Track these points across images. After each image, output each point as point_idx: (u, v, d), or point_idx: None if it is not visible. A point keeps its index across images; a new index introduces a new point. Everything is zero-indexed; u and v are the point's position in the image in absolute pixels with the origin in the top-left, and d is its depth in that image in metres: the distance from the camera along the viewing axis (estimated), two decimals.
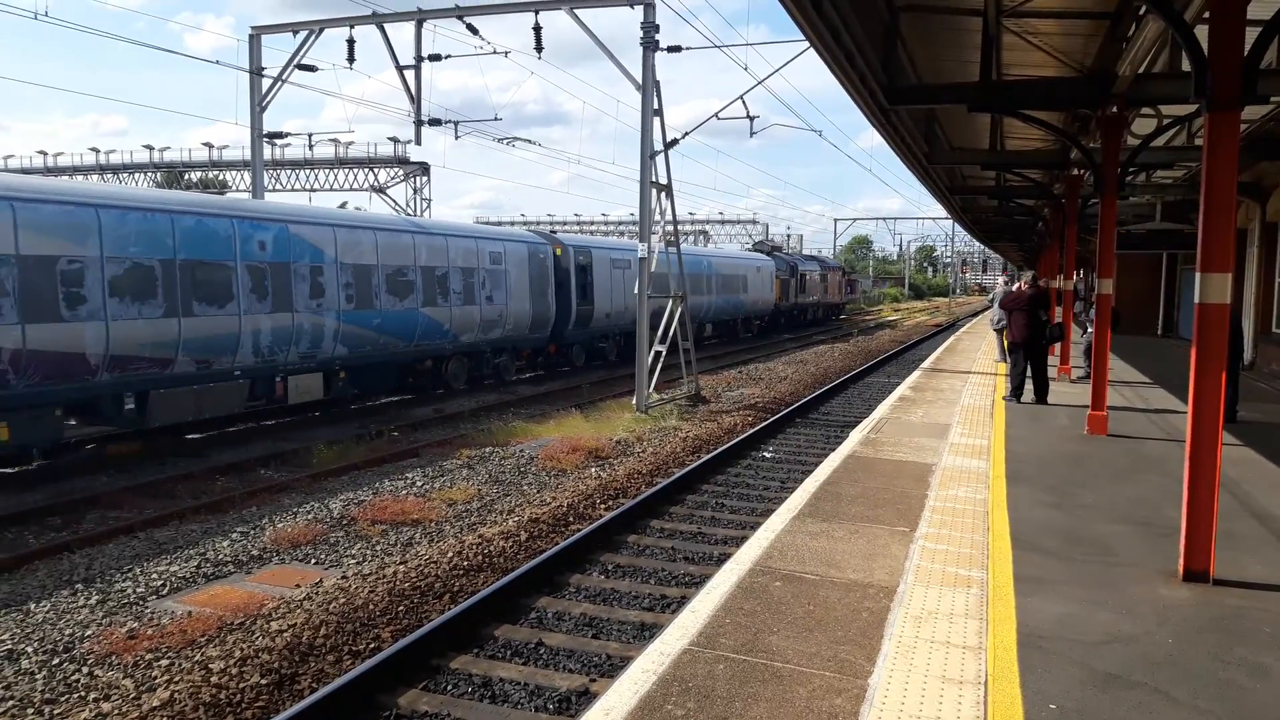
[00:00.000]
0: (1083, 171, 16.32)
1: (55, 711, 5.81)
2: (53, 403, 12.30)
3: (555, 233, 30.07)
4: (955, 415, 12.65)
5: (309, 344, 16.14)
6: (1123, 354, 19.60)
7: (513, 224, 70.13)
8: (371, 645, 6.82)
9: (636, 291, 17.91)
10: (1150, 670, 4.44)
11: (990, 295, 23.49)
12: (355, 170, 44.68)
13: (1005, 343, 19.58)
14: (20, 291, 11.61)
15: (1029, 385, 13.63)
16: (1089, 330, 15.80)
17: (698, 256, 34.81)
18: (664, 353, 18.45)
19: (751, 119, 19.69)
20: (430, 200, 41.94)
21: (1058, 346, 16.30)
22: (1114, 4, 8.79)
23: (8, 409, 11.63)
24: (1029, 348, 13.43)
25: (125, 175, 49.79)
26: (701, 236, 75.79)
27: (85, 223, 12.48)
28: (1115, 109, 10.57)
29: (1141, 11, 8.31)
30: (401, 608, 7.47)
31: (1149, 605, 5.30)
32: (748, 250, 50.01)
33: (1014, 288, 15.17)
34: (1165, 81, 10.21)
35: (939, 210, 64.94)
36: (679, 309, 18.62)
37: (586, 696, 6.02)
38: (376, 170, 44.07)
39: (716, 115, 18.74)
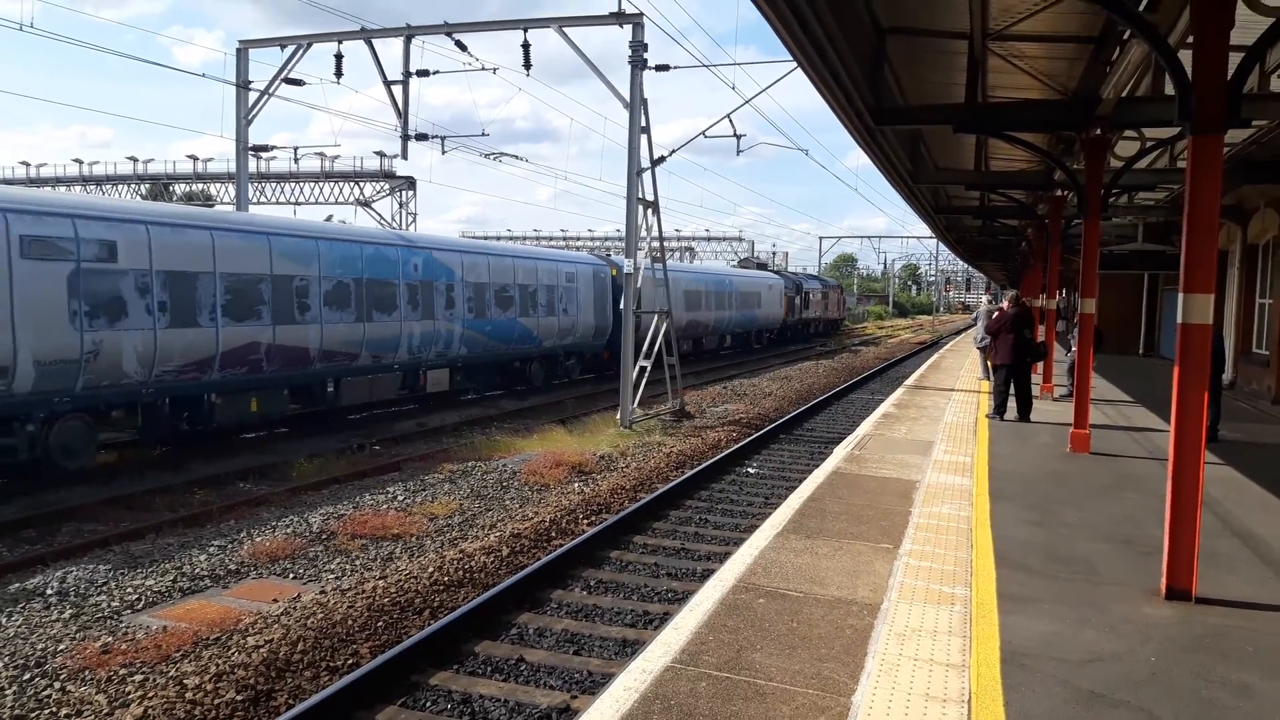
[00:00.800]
0: (1066, 192, 16.46)
1: None
2: (284, 385, 16.20)
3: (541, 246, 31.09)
4: (939, 432, 12.67)
5: (443, 345, 20.08)
6: (1105, 373, 19.73)
7: (499, 238, 70.14)
8: (350, 661, 6.73)
9: (622, 306, 17.91)
10: (1133, 689, 4.43)
11: (974, 314, 23.63)
12: (341, 184, 44.57)
13: (988, 361, 19.70)
14: (272, 301, 15.46)
15: (1012, 403, 13.69)
16: (1072, 349, 15.91)
17: (721, 275, 39.78)
18: (649, 368, 18.43)
19: (739, 137, 19.81)
20: (416, 215, 41.89)
21: (1040, 365, 16.39)
22: (1098, 28, 8.88)
23: (259, 388, 15.60)
24: (1013, 366, 13.49)
25: (109, 187, 49.47)
26: (687, 253, 75.96)
27: (310, 251, 16.55)
28: (1099, 131, 10.66)
29: (1126, 36, 8.39)
30: (381, 623, 7.38)
31: (1132, 624, 5.29)
32: (733, 266, 50.78)
33: (997, 308, 15.27)
34: (1149, 105, 10.31)
35: (924, 229, 65.59)
36: (664, 324, 18.62)
37: (567, 714, 5.96)
38: (362, 184, 43.99)
39: (704, 134, 18.85)
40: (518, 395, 23.67)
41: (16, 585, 8.42)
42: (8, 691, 6.19)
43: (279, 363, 15.67)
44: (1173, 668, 4.69)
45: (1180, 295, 5.65)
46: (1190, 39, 5.90)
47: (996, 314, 14.12)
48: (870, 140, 12.82)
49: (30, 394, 11.93)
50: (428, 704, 6.16)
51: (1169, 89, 9.65)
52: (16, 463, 12.18)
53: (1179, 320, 5.68)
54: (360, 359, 17.58)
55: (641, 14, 16.68)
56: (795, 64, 9.01)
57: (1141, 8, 7.46)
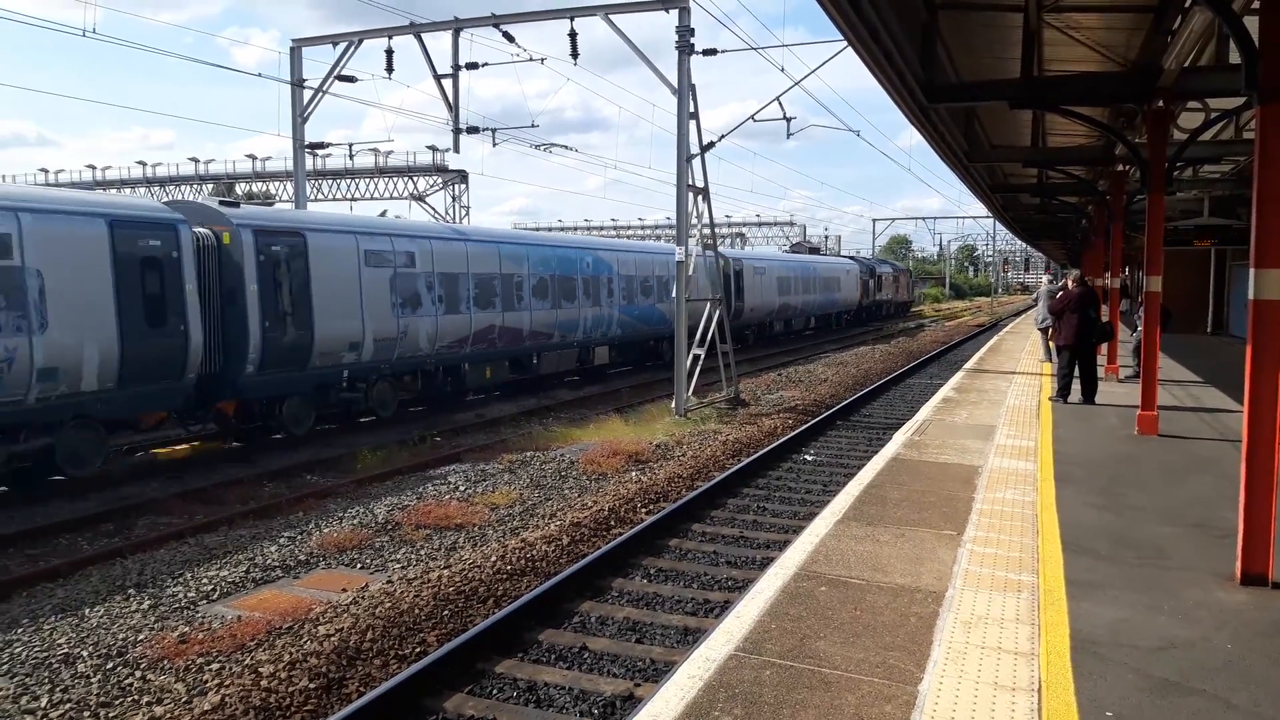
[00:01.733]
0: (1128, 167, 16.04)
1: (110, 714, 5.92)
2: (508, 357, 20.84)
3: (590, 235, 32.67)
4: (1001, 416, 12.47)
5: (605, 327, 24.62)
6: (1172, 352, 19.20)
7: (549, 229, 70.49)
8: (417, 649, 6.87)
9: (675, 294, 17.90)
10: (1209, 676, 4.34)
11: (1034, 294, 23.13)
12: (395, 179, 45.18)
13: (1050, 342, 19.29)
14: (501, 293, 20.25)
15: (1076, 385, 13.40)
16: (1138, 329, 15.51)
17: (807, 262, 45.07)
18: (703, 356, 18.41)
19: (788, 120, 19.62)
20: (469, 208, 42.28)
21: (1105, 345, 16.01)
22: None
23: (493, 359, 20.30)
24: (1077, 347, 13.20)
25: (171, 187, 50.77)
26: (738, 240, 75.56)
27: (522, 254, 21.40)
28: (1161, 103, 10.37)
29: (1188, 3, 8.14)
30: (446, 612, 7.52)
31: (1206, 610, 5.17)
32: (784, 251, 51.13)
33: (1059, 287, 14.93)
34: (1213, 74, 10.00)
35: (979, 209, 64.93)
36: (716, 311, 18.57)
37: (631, 701, 6.01)
38: (415, 179, 44.54)
39: (753, 118, 18.70)
40: (573, 386, 23.85)
41: (98, 577, 8.75)
42: (93, 680, 6.43)
43: (505, 341, 20.49)
44: (1249, 655, 4.58)
45: (1251, 270, 5.49)
46: (1256, 4, 5.71)
47: (1061, 294, 13.80)
48: (924, 119, 12.64)
49: (369, 362, 16.83)
50: (494, 692, 6.26)
51: (1234, 57, 9.34)
52: (351, 412, 17.25)
53: (1250, 296, 5.52)
54: (554, 338, 22.47)
55: None
56: (846, 44, 8.92)
57: None
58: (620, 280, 25.44)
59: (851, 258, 54.95)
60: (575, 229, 75.62)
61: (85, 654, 6.85)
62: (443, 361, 18.84)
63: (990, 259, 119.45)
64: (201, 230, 14.16)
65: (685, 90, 17.06)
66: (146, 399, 13.29)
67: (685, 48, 16.93)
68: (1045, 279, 25.36)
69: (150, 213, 13.59)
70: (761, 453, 13.62)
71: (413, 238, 18.17)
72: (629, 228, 78.67)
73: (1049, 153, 17.26)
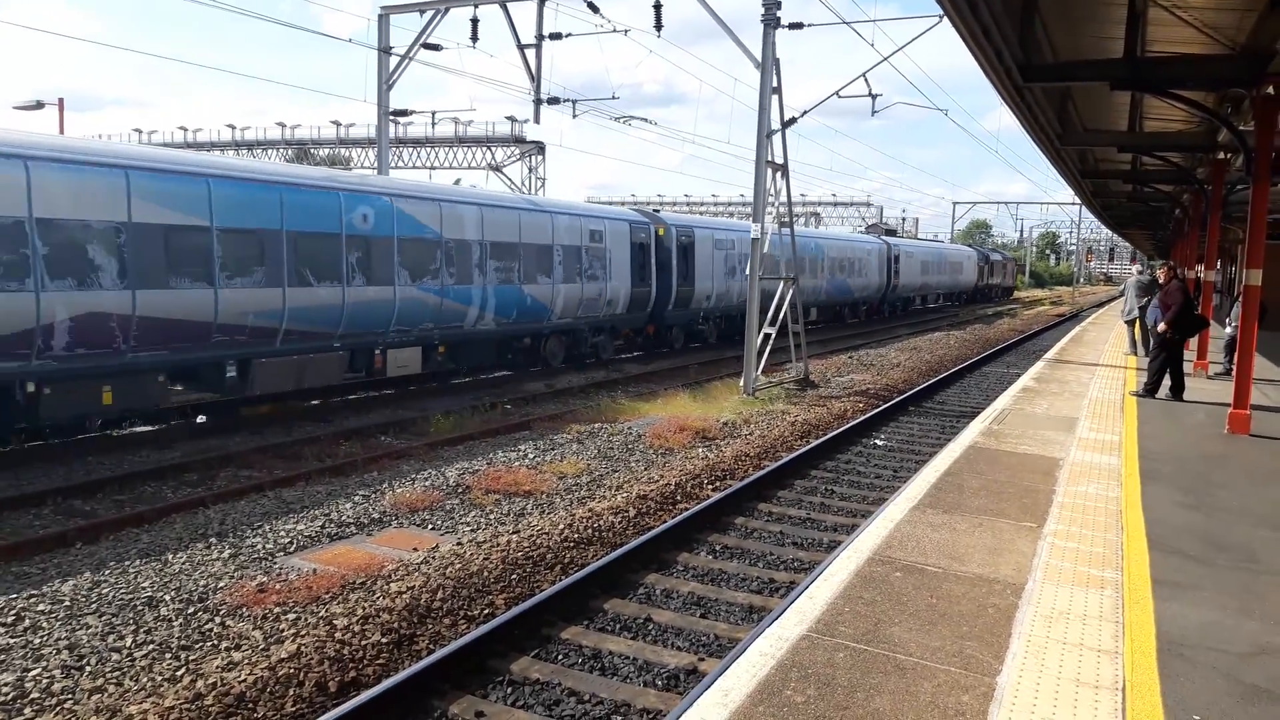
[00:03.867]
0: (1230, 155, 15.35)
1: (191, 657, 6.13)
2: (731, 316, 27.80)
3: (658, 212, 33.77)
4: (1083, 409, 12.10)
5: (728, 300, 27.30)
6: (1267, 350, 18.39)
7: (623, 204, 70.41)
8: (485, 611, 6.96)
9: (749, 272, 17.73)
10: None
11: (1122, 286, 22.32)
12: (473, 149, 45.54)
13: (1137, 335, 18.63)
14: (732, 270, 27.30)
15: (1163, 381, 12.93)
16: (1230, 324, 14.89)
17: (939, 249, 54.02)
18: (773, 335, 18.23)
19: (874, 97, 19.18)
20: (545, 179, 42.44)
21: (1193, 341, 15.40)
22: None
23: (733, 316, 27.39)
24: (1171, 341, 12.73)
25: (258, 151, 52.03)
26: (813, 219, 74.56)
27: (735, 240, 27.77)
28: (1271, 89, 9.88)
29: None
30: (514, 576, 7.60)
31: None
32: (859, 233, 51.49)
33: (1149, 279, 14.38)
34: None
35: (1065, 195, 64.82)
36: (790, 291, 18.35)
37: (695, 676, 6.01)
38: (494, 149, 44.83)
39: (838, 93, 18.33)
40: (641, 360, 23.88)
41: (181, 524, 9.06)
42: (175, 623, 6.67)
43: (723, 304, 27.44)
44: None
45: None
46: None
47: (1164, 280, 13.26)
48: (1018, 99, 12.25)
49: (710, 308, 26.78)
50: (559, 657, 6.32)
51: None
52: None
53: None
54: (732, 298, 27.45)
55: None
56: (941, 18, 8.67)
57: None
58: (823, 260, 34.15)
59: (969, 245, 66.95)
60: (648, 203, 75.38)
61: (168, 598, 7.10)
62: (726, 313, 27.58)
63: (1073, 247, 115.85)
64: (653, 227, 23.82)
65: (769, 64, 16.79)
66: (632, 320, 23.55)
67: (771, 21, 16.64)
68: (1134, 270, 24.48)
69: (640, 218, 24.06)
70: (830, 435, 13.45)
71: (736, 235, 27.06)
72: (702, 204, 78.15)
73: (1146, 138, 16.60)
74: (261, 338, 13.61)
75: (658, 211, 31.18)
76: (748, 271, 17.76)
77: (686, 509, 9.62)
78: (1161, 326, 12.79)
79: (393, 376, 16.54)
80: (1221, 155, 15.54)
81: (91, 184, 11.51)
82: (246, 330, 13.33)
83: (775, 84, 16.92)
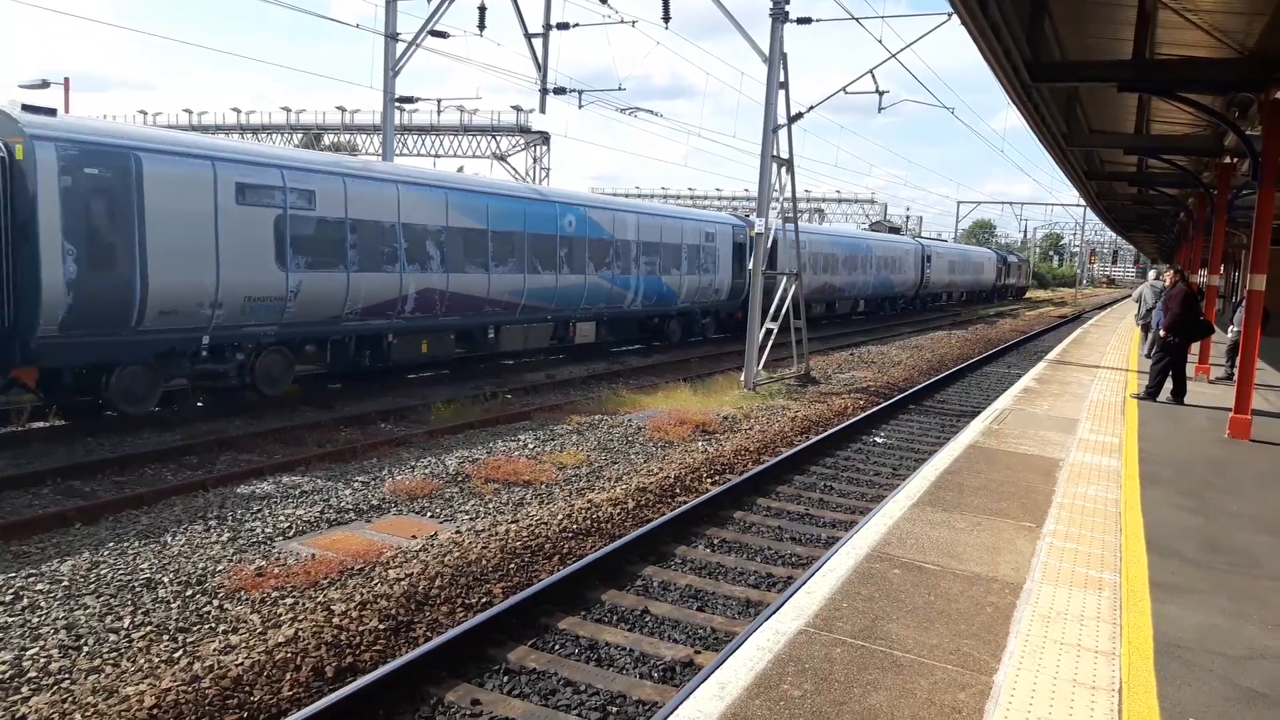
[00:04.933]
0: (1236, 160, 15.31)
1: (188, 640, 6.13)
2: (860, 298, 37.69)
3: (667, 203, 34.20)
4: (1083, 410, 12.10)
5: (848, 291, 33.41)
6: (1269, 356, 18.39)
7: (627, 195, 70.38)
8: (483, 599, 6.97)
9: (751, 267, 17.72)
10: None
11: (1137, 290, 22.18)
12: (478, 137, 45.45)
13: (1152, 338, 18.60)
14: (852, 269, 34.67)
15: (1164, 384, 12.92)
16: (1233, 329, 14.88)
17: (965, 250, 60.23)
18: (775, 330, 18.22)
19: (881, 94, 19.14)
20: (549, 170, 42.37)
21: (1196, 345, 15.39)
22: None
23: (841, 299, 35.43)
24: (1176, 345, 12.71)
25: (263, 135, 51.93)
26: (816, 215, 74.48)
27: (853, 245, 35.73)
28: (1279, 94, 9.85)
29: None
30: (512, 565, 7.61)
31: None
32: (865, 230, 51.63)
33: (1154, 280, 14.34)
34: None
35: (1069, 197, 66.18)
36: (793, 286, 18.33)
37: (691, 668, 6.02)
38: (498, 138, 44.75)
39: (845, 89, 18.29)
40: (642, 354, 23.88)
41: (180, 507, 9.07)
42: (173, 605, 6.68)
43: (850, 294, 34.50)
44: None
45: None
46: None
47: (1173, 290, 13.14)
48: (1025, 99, 12.23)
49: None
50: (556, 647, 6.33)
51: None
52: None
53: None
54: (847, 290, 34.93)
55: None
56: (950, 16, 8.64)
57: None
58: (875, 259, 38.70)
59: (986, 246, 72.81)
60: (652, 196, 75.31)
61: (166, 580, 7.11)
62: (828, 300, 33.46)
63: (1077, 249, 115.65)
64: (747, 229, 26.06)
65: (776, 58, 16.75)
66: (730, 306, 27.34)
67: (779, 14, 16.59)
68: (1151, 274, 24.37)
69: (739, 221, 25.31)
70: (830, 432, 13.46)
71: (806, 236, 28.04)
72: (706, 198, 78.02)
73: (1152, 140, 16.56)
74: (509, 310, 18.35)
75: (735, 212, 37.54)
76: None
77: (685, 502, 9.63)
78: (1162, 330, 12.76)
79: (579, 343, 21.60)
80: (1227, 159, 15.51)
81: (428, 199, 16.31)
82: (502, 304, 18.05)
83: (782, 79, 16.88)
